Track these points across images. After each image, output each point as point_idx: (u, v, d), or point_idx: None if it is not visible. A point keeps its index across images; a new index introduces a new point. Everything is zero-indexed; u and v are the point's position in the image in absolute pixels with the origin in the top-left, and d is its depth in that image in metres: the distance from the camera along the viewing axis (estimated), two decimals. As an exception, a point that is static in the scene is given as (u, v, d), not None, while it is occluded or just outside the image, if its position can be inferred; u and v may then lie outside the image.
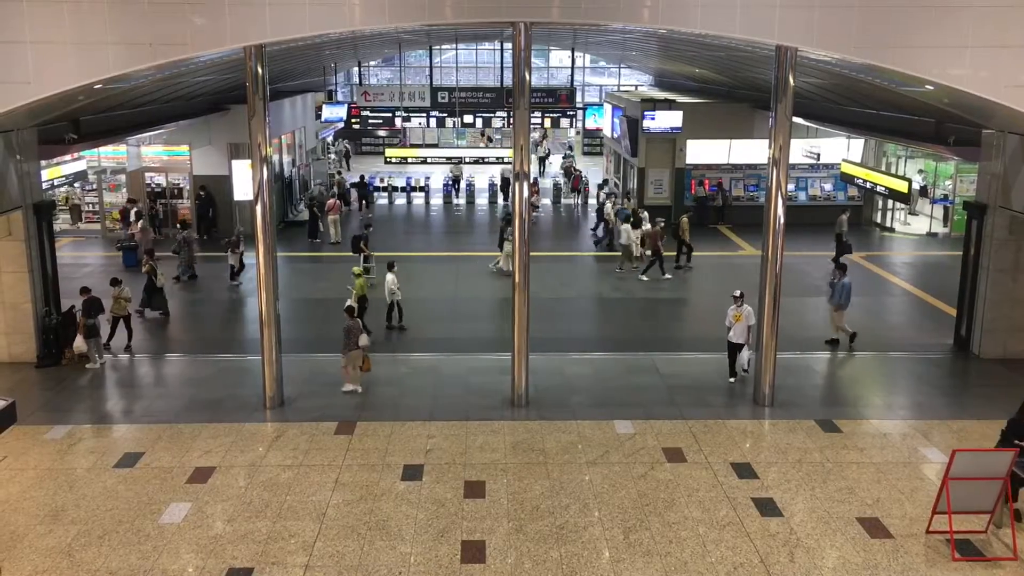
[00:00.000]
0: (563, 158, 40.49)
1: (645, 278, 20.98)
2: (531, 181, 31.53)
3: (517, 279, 12.72)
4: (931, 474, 10.86)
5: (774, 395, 13.09)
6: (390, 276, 16.83)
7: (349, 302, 15.50)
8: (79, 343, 14.47)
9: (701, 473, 10.90)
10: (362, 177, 32.15)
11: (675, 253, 22.14)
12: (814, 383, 14.23)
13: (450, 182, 32.89)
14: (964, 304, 15.70)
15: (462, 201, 32.60)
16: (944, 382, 14.40)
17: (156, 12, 11.05)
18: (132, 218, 24.14)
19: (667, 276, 21.02)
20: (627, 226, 21.95)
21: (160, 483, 10.61)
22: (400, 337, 16.74)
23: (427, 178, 33.98)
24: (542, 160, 41.15)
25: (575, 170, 35.23)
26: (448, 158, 34.55)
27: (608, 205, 25.60)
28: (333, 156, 40.84)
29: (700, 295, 20.19)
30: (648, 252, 21.67)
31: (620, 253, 22.12)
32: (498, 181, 32.68)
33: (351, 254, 21.82)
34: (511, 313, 12.95)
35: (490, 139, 43.24)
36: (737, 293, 13.95)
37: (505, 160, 30.33)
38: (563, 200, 32.73)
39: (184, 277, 20.71)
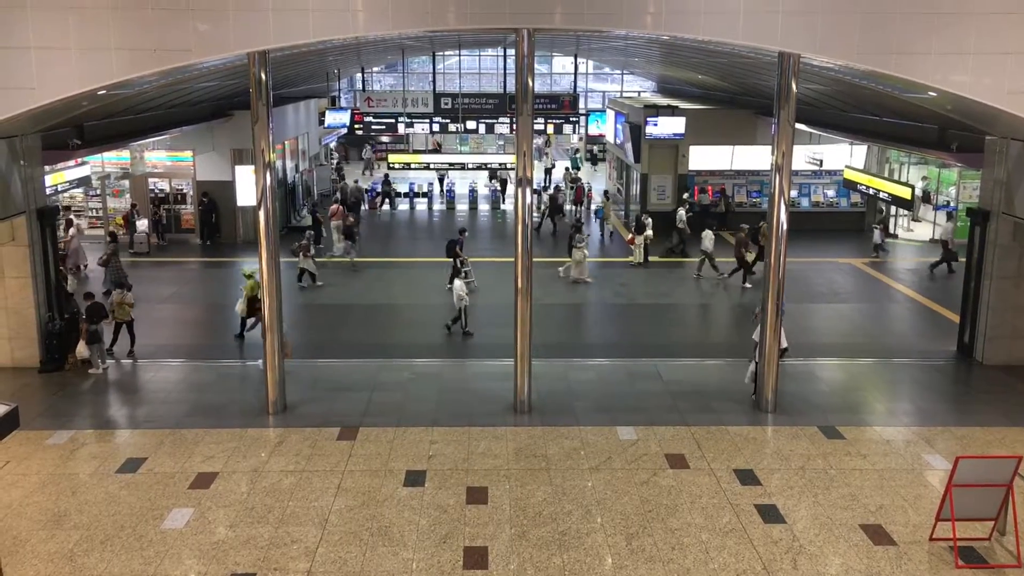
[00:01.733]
0: (565, 170, 39.97)
1: (734, 281, 20.97)
2: (557, 188, 31.24)
3: (519, 284, 12.72)
4: (934, 481, 10.83)
5: (777, 401, 13.07)
6: (458, 283, 17.04)
7: (241, 302, 16.28)
8: (82, 348, 14.50)
9: (704, 479, 10.88)
10: (386, 176, 32.57)
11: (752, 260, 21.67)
12: (817, 389, 14.19)
13: (452, 188, 33.04)
14: (967, 311, 15.66)
15: (464, 207, 32.67)
16: (947, 389, 14.37)
17: (160, 18, 11.07)
18: (64, 224, 22.33)
19: (747, 284, 20.91)
20: (708, 232, 21.69)
21: (162, 488, 10.60)
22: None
23: (430, 184, 34.21)
24: (548, 172, 40.11)
25: (578, 180, 35.16)
26: (450, 164, 34.66)
27: (681, 212, 25.21)
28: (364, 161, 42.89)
29: (703, 301, 20.17)
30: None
31: (698, 259, 22.00)
32: (499, 187, 32.82)
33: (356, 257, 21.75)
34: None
35: (439, 144, 43.56)
36: (758, 310, 13.75)
37: (508, 167, 30.29)
38: (565, 207, 32.68)
39: (114, 289, 18.63)
